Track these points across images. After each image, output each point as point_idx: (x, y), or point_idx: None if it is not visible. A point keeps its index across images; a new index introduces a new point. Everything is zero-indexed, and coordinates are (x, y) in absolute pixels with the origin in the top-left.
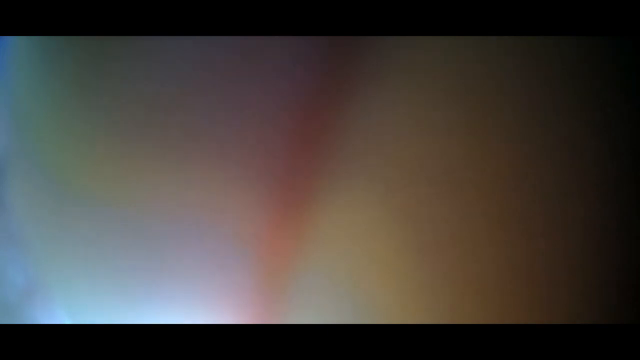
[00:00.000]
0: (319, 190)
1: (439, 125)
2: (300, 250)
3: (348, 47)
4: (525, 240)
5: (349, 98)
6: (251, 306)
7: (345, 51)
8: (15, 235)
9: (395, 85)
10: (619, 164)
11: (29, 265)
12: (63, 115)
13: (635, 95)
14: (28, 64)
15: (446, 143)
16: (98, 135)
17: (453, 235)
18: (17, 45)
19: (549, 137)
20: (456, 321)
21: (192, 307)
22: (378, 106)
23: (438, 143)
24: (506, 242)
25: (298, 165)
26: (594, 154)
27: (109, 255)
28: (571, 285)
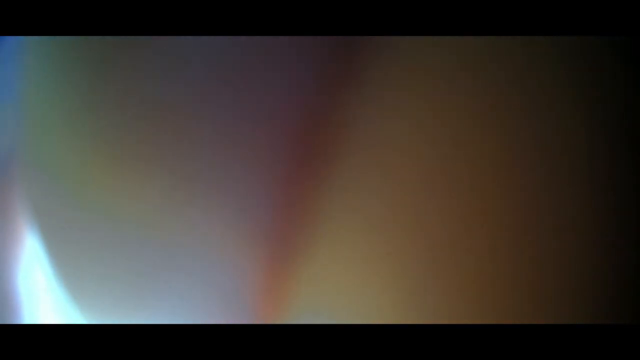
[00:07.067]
0: (319, 195)
1: (438, 128)
2: (300, 252)
3: (347, 48)
4: (525, 241)
5: (348, 100)
6: (251, 310)
7: (344, 52)
8: (21, 236)
9: (394, 88)
10: (618, 163)
11: (33, 266)
12: (71, 117)
13: (634, 95)
14: (36, 65)
15: (444, 145)
16: (106, 137)
17: (452, 238)
18: (25, 46)
19: (549, 139)
20: (455, 321)
21: (191, 310)
22: (378, 111)
23: (437, 146)
24: (506, 243)
25: (298, 174)
26: (592, 154)
27: (113, 257)
28: (569, 285)
